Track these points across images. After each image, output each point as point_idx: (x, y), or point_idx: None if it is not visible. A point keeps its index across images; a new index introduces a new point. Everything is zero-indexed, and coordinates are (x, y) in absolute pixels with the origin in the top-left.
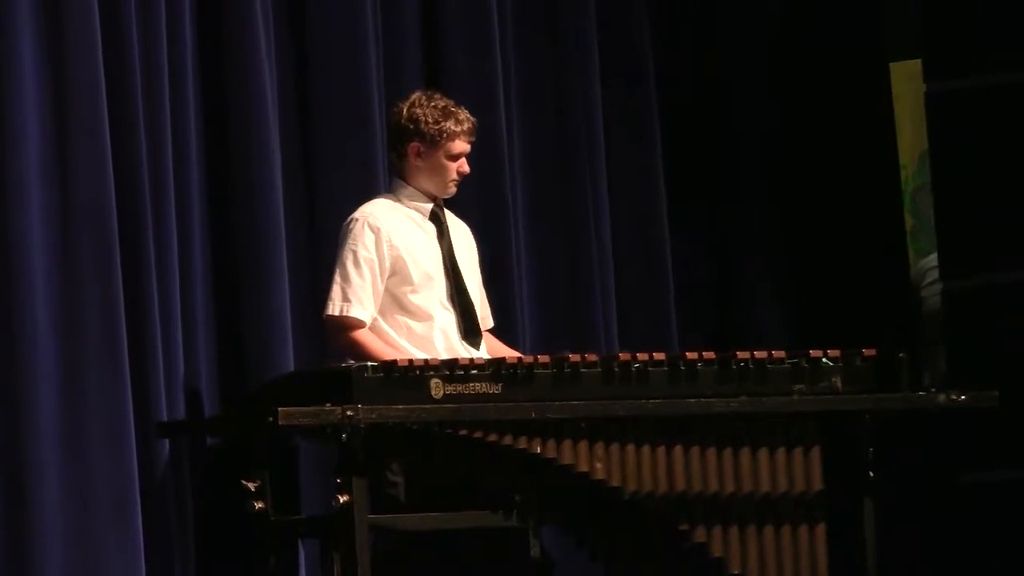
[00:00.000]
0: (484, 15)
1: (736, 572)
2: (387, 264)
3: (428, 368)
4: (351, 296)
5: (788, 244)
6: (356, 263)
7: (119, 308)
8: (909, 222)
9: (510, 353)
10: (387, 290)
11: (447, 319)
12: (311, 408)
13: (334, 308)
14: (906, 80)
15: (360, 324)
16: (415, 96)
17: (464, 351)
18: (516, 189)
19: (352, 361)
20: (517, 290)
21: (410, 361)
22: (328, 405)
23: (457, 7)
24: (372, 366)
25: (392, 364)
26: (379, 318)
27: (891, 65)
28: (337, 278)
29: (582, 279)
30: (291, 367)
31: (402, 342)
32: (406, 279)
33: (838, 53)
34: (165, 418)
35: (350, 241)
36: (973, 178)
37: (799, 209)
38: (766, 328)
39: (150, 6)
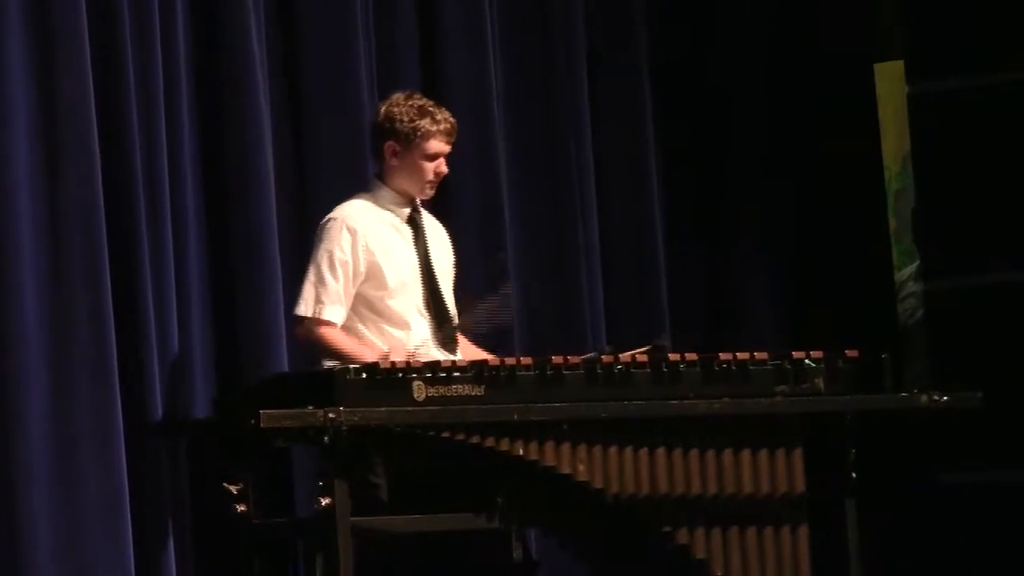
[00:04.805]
0: (476, 9)
1: (719, 573)
2: (361, 268)
3: (411, 370)
4: (324, 298)
5: (777, 245)
6: (331, 265)
7: (108, 311)
8: (892, 223)
9: (483, 355)
10: (362, 294)
11: (423, 325)
12: (293, 411)
13: (307, 309)
14: (890, 81)
15: (331, 325)
16: (395, 96)
17: (441, 357)
18: (504, 188)
19: (324, 360)
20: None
21: (392, 363)
22: (311, 407)
23: (449, 2)
24: (355, 368)
25: (375, 366)
26: (356, 320)
27: (875, 66)
28: (311, 277)
29: (570, 281)
30: (285, 368)
31: (378, 344)
32: (382, 284)
33: (823, 54)
34: (158, 420)
35: (326, 241)
36: (956, 180)
37: (786, 209)
38: (757, 328)
39: (142, 6)
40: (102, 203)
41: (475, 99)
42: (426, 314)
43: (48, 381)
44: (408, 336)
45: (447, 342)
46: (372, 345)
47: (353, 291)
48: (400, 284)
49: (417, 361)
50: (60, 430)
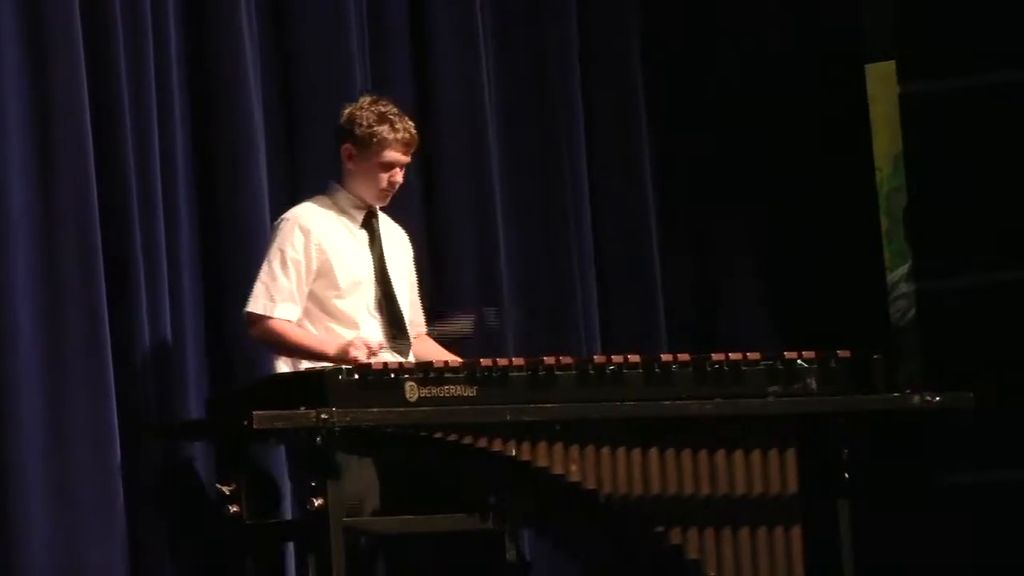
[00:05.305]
0: (467, 8)
1: (712, 574)
2: (314, 267)
3: (403, 371)
4: (275, 296)
5: (769, 245)
6: (283, 263)
7: (102, 309)
8: (884, 224)
9: (445, 355)
10: (313, 293)
11: (373, 326)
12: (286, 412)
13: (256, 306)
14: (881, 81)
15: (285, 323)
16: (363, 98)
17: (391, 358)
18: (496, 190)
19: (273, 353)
20: (501, 292)
21: (385, 364)
22: (303, 408)
23: (441, 4)
24: (347, 369)
25: (367, 367)
26: (304, 319)
27: (866, 66)
28: (263, 276)
29: (564, 281)
30: (274, 367)
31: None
32: (332, 284)
33: (814, 54)
34: (152, 420)
35: (279, 240)
36: (947, 180)
37: (778, 210)
38: (750, 328)
39: (135, 2)
40: (96, 199)
41: (467, 99)
42: (377, 315)
43: (42, 382)
44: (356, 333)
45: (399, 345)
46: (328, 337)
47: (306, 290)
48: (352, 284)
49: (409, 362)
50: (54, 431)
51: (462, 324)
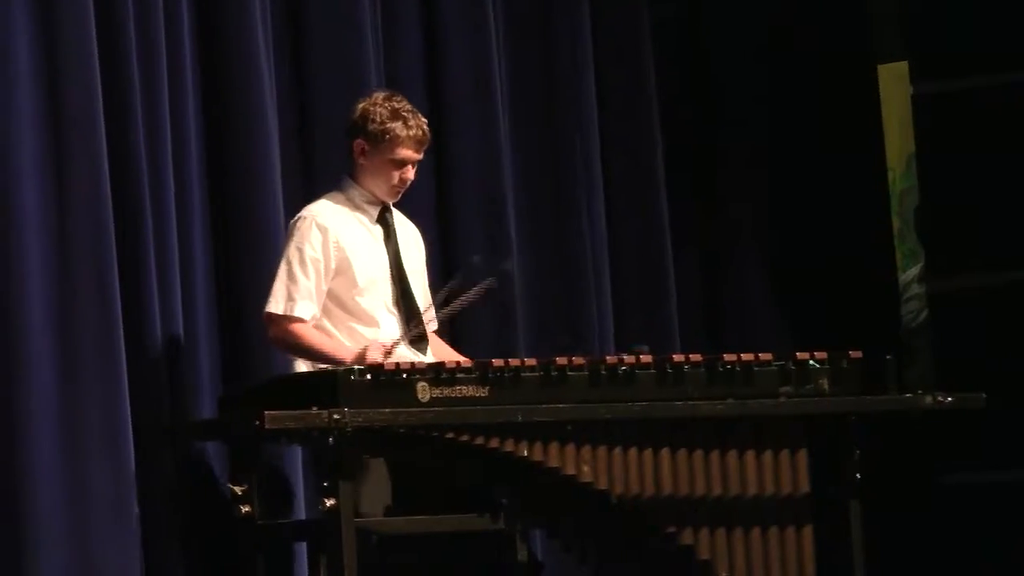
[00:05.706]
0: (480, 4)
1: (723, 574)
2: (332, 265)
3: (415, 371)
4: (295, 295)
5: (780, 246)
6: (302, 262)
7: (116, 309)
8: (896, 224)
9: (455, 356)
10: (332, 292)
11: (392, 323)
12: (298, 412)
13: (277, 306)
14: (894, 82)
15: (303, 322)
16: (375, 94)
17: (411, 356)
18: (509, 185)
19: (291, 356)
20: (513, 287)
21: (397, 364)
22: (315, 408)
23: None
24: (359, 369)
25: (379, 367)
26: (324, 318)
27: (879, 67)
28: (282, 275)
29: (576, 279)
30: (291, 369)
31: (347, 343)
32: (351, 282)
33: (826, 54)
34: (164, 419)
35: (297, 239)
36: (960, 181)
37: (789, 210)
38: (761, 329)
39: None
40: (109, 203)
41: (479, 94)
42: (395, 312)
43: (55, 381)
44: (377, 334)
45: (416, 340)
46: (347, 343)
47: (325, 288)
48: (370, 282)
49: (421, 362)
50: (67, 431)
51: (463, 298)
